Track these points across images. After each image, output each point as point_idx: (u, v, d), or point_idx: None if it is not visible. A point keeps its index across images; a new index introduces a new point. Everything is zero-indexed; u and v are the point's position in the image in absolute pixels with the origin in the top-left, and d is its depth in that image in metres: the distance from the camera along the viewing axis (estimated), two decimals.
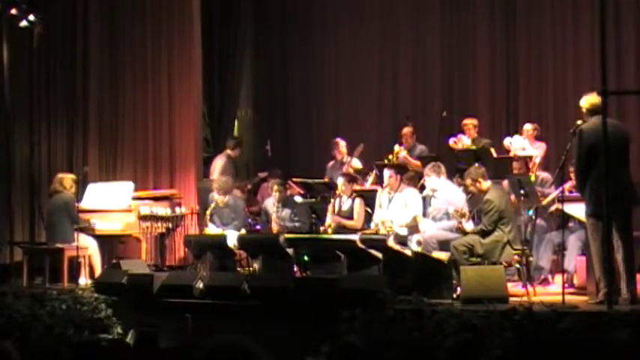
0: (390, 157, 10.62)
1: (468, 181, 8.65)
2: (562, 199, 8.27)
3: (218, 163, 11.39)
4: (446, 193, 9.18)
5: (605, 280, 7.30)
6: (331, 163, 11.47)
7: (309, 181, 10.74)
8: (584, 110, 7.60)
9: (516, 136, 10.28)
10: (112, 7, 11.85)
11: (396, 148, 10.77)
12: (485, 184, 8.58)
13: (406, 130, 11.14)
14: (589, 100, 7.58)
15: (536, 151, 10.04)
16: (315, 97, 13.61)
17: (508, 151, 10.11)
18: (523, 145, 10.07)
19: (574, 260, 8.62)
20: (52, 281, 9.72)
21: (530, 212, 8.74)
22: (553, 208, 8.90)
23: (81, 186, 10.43)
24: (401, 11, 12.97)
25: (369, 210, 9.87)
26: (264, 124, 13.84)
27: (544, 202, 8.98)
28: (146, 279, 8.91)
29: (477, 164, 9.17)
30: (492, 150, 9.96)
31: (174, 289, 8.69)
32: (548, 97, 11.86)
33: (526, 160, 9.74)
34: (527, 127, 10.34)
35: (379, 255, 8.73)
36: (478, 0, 12.42)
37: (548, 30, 11.89)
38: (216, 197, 10.20)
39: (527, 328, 6.47)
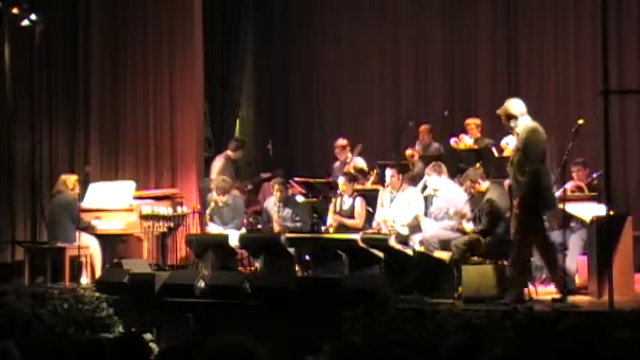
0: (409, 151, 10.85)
1: (467, 183, 8.67)
2: (564, 199, 8.27)
3: (216, 164, 11.36)
4: (447, 192, 9.17)
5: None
6: (337, 163, 11.43)
7: (311, 180, 10.73)
8: (521, 114, 7.97)
9: (510, 137, 10.26)
10: (113, 6, 11.85)
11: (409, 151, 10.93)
12: (484, 184, 8.59)
13: (423, 127, 11.25)
14: (518, 103, 8.08)
15: None
16: (317, 97, 13.60)
17: (502, 151, 10.09)
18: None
19: (575, 260, 8.61)
20: (54, 280, 9.71)
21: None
22: None
23: (82, 185, 10.43)
24: (402, 10, 12.96)
25: (371, 209, 9.87)
26: (265, 124, 13.83)
27: None
28: (147, 278, 8.92)
29: (476, 165, 9.17)
30: (494, 150, 9.95)
31: (175, 289, 8.70)
32: (549, 97, 11.82)
33: None
34: None
35: (380, 254, 8.74)
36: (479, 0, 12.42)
37: (549, 29, 11.87)
38: (215, 197, 10.20)
39: (528, 328, 6.48)
